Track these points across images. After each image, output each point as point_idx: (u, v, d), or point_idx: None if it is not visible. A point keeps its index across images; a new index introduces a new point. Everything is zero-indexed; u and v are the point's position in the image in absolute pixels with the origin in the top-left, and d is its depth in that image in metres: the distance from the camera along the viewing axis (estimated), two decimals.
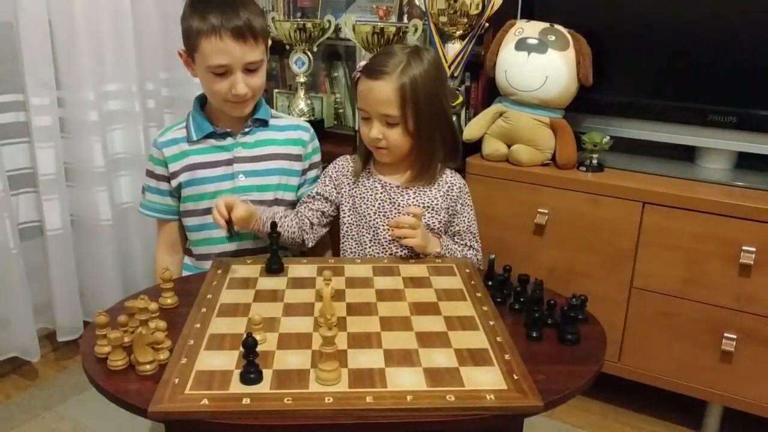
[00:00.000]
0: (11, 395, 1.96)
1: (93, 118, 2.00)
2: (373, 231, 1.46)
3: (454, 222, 1.49)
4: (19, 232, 1.93)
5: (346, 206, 1.49)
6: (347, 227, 1.49)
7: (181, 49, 1.44)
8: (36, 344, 1.99)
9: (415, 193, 1.46)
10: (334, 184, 1.51)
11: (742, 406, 1.70)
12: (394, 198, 1.46)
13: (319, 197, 1.50)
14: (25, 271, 1.93)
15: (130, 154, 2.15)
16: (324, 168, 1.58)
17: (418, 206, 1.44)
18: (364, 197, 1.47)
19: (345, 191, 1.49)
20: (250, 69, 1.40)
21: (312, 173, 1.60)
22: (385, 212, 1.46)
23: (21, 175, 1.95)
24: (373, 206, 1.46)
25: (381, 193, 1.47)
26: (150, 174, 1.51)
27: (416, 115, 1.38)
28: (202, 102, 1.51)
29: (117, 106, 2.11)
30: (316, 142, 1.61)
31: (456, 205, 1.48)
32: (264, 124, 1.52)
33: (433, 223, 1.46)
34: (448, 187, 1.47)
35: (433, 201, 1.46)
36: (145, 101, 2.15)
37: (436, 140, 1.44)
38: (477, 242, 1.51)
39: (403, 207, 1.44)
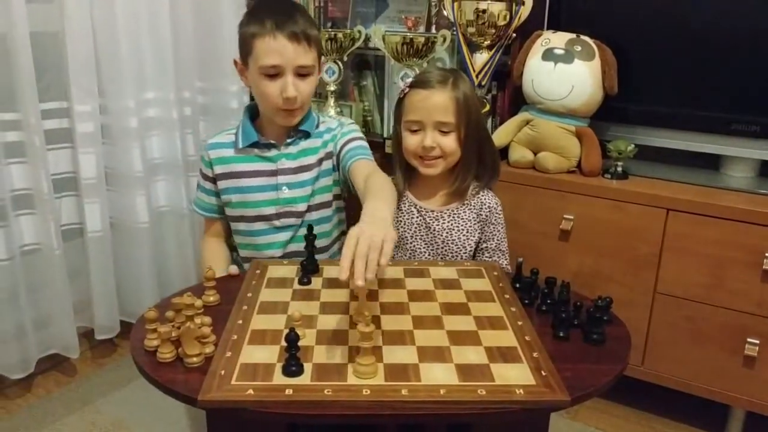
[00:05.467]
0: (52, 390, 2.04)
1: (133, 124, 2.07)
2: (410, 253, 1.52)
3: (482, 239, 1.54)
4: (62, 233, 1.99)
5: None
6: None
7: (237, 57, 1.49)
8: (76, 342, 2.05)
9: (449, 216, 1.51)
10: None
11: (765, 410, 1.72)
12: (429, 222, 1.51)
13: None
14: (66, 271, 2.00)
15: (167, 159, 2.22)
16: None
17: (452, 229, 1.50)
18: (401, 221, 1.53)
19: None
20: (301, 73, 1.43)
21: (351, 144, 1.52)
22: (422, 236, 1.51)
23: (64, 179, 2.03)
24: (410, 230, 1.52)
25: (417, 217, 1.52)
26: (201, 174, 1.58)
27: (467, 127, 1.44)
28: (253, 112, 1.55)
29: (155, 114, 2.18)
30: (346, 127, 1.57)
31: (485, 225, 1.53)
32: (307, 135, 1.54)
33: (469, 244, 1.51)
34: (480, 206, 1.52)
35: (467, 223, 1.51)
36: (182, 109, 2.22)
37: (475, 158, 1.49)
38: (506, 260, 1.54)
39: (438, 232, 1.50)
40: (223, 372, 0.99)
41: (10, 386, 2.01)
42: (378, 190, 1.27)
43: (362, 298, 1.03)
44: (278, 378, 0.98)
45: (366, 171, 1.41)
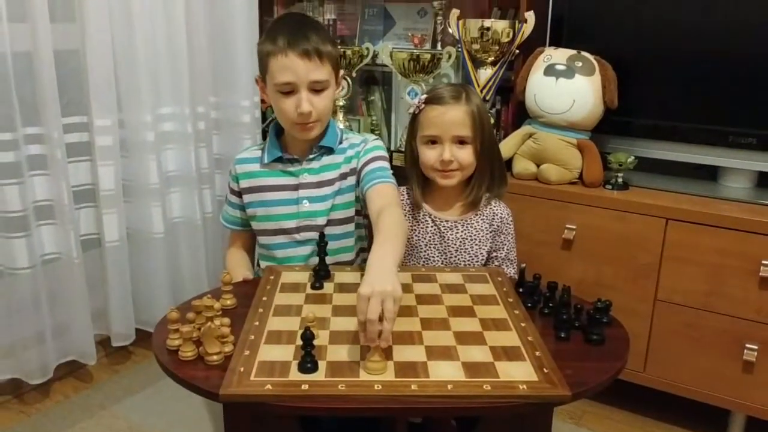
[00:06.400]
0: (69, 395, 2.09)
1: (149, 138, 2.14)
2: (424, 261, 1.58)
3: (492, 248, 1.59)
4: (81, 243, 2.04)
5: None
6: (404, 256, 1.57)
7: (258, 75, 1.54)
8: (93, 349, 2.10)
9: (463, 226, 1.57)
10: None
11: (764, 414, 1.76)
12: (443, 232, 1.57)
13: None
14: (84, 280, 2.05)
15: (182, 172, 2.28)
16: None
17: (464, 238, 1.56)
18: (415, 230, 1.58)
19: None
20: (315, 89, 1.45)
21: (372, 165, 1.52)
22: (436, 245, 1.57)
23: (83, 190, 2.09)
24: (425, 239, 1.58)
25: (431, 227, 1.58)
26: (228, 188, 1.64)
27: (482, 139, 1.51)
28: (279, 128, 1.57)
29: (171, 128, 2.24)
30: (370, 143, 1.58)
31: (497, 235, 1.58)
32: (330, 151, 1.56)
33: (481, 253, 1.57)
34: (492, 216, 1.58)
35: (479, 233, 1.57)
36: (196, 123, 2.28)
37: (488, 168, 1.56)
38: (514, 269, 1.59)
39: (451, 241, 1.56)
40: (242, 369, 1.05)
41: (29, 391, 2.07)
42: (387, 235, 1.26)
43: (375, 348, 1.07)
44: (294, 375, 1.03)
45: (381, 201, 1.41)
